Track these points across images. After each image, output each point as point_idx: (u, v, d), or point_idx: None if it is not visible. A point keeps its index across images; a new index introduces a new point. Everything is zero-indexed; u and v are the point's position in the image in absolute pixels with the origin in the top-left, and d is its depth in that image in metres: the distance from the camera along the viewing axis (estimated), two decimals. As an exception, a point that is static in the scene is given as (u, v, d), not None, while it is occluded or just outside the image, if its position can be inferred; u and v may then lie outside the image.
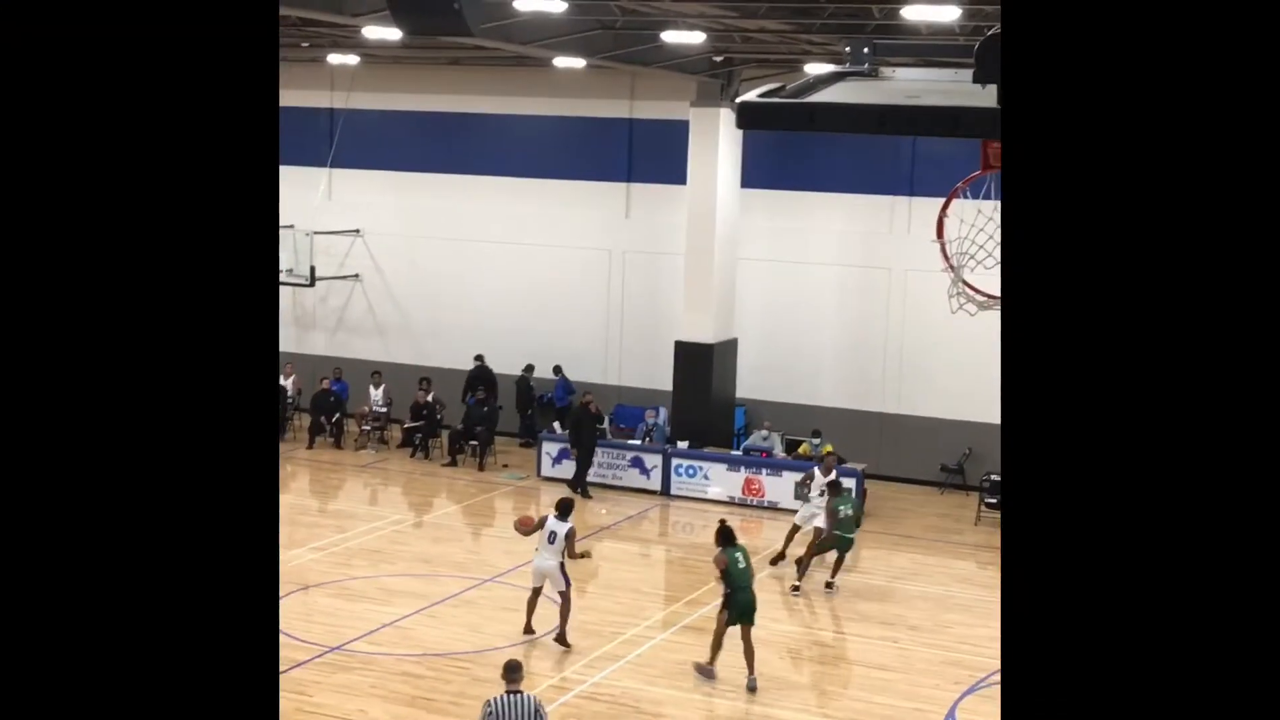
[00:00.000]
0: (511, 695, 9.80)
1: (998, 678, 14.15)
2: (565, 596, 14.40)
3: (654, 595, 16.54)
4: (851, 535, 17.11)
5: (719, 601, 13.74)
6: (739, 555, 13.57)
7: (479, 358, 24.56)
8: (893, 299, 22.98)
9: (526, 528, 14.70)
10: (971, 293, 8.21)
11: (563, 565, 14.32)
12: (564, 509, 14.55)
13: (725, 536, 13.75)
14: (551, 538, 14.34)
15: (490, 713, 9.74)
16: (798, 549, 17.71)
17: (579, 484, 21.55)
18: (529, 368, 24.66)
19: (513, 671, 10.00)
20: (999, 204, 8.13)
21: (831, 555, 17.21)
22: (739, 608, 13.39)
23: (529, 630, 14.65)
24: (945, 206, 8.06)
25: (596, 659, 14.18)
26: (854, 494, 19.41)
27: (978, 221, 8.44)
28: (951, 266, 8.07)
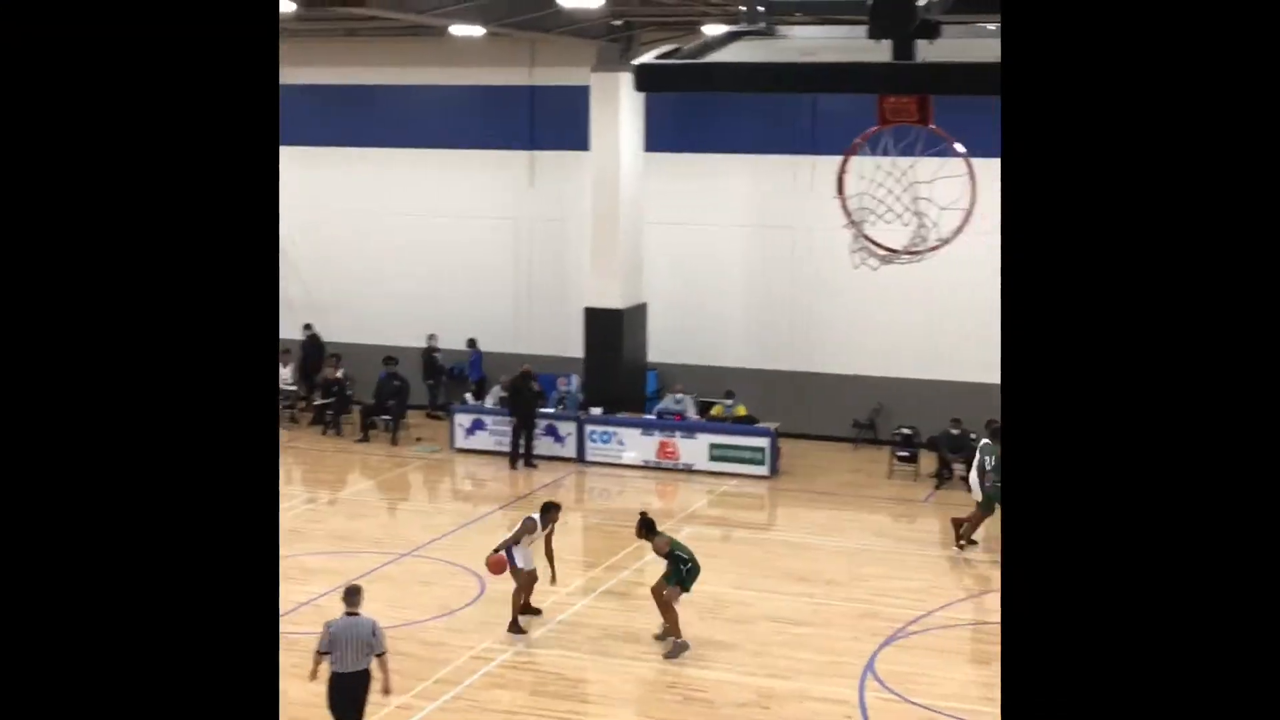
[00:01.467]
0: (349, 616, 10.74)
1: (915, 628, 14.39)
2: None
3: (573, 562, 16.56)
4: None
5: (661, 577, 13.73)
6: (672, 536, 13.86)
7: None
8: (800, 258, 23.11)
9: (498, 570, 14.25)
10: (873, 247, 8.28)
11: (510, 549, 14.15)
12: (546, 510, 14.46)
13: (648, 527, 13.86)
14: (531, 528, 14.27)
15: (331, 632, 10.66)
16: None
17: (522, 456, 21.51)
18: (432, 338, 24.53)
19: (352, 595, 10.88)
20: (896, 159, 8.21)
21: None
22: (694, 577, 13.53)
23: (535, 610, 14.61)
24: (844, 163, 8.10)
25: (518, 628, 14.18)
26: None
27: (876, 177, 8.51)
28: (853, 222, 8.12)
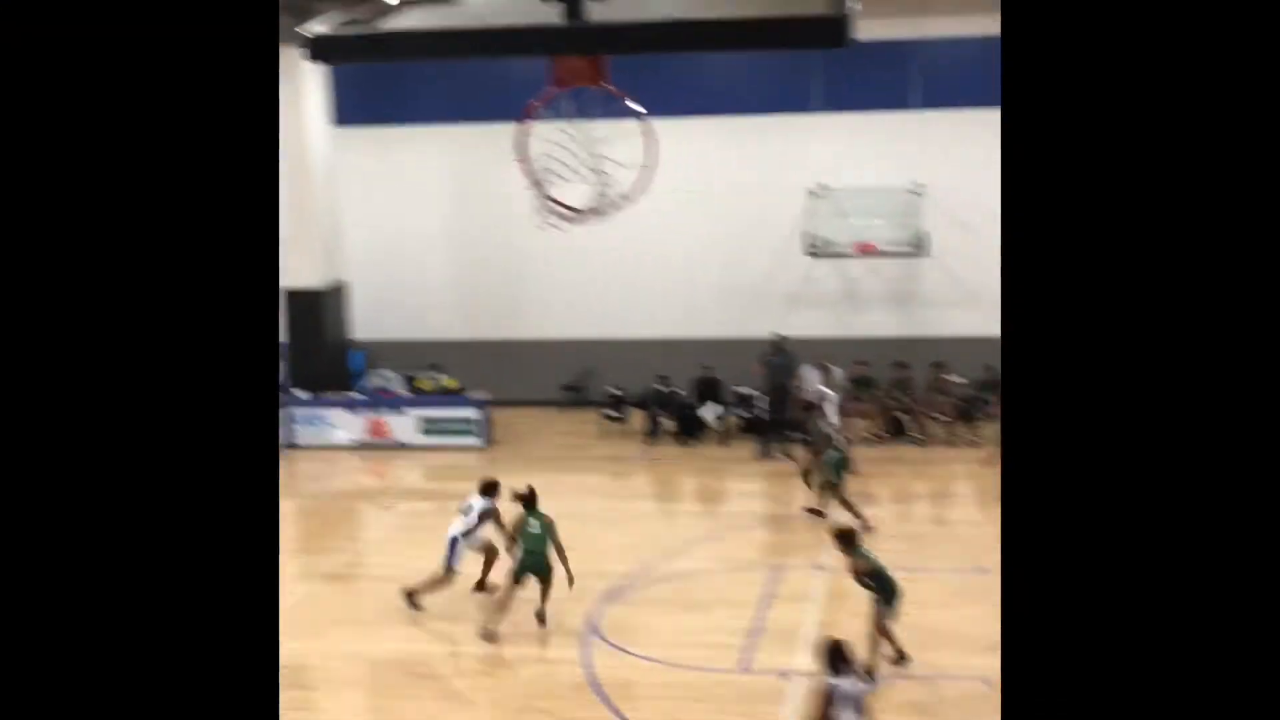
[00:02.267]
0: None
1: (635, 584, 14.67)
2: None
3: (290, 550, 16.20)
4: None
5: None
6: (534, 520, 13.35)
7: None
8: (500, 226, 23.10)
9: None
10: (558, 208, 8.37)
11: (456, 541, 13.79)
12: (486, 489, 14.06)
13: (528, 502, 13.56)
14: (466, 510, 13.90)
15: None
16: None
17: None
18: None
19: None
20: (575, 120, 8.32)
21: None
22: (523, 566, 13.24)
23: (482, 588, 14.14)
24: (524, 127, 8.16)
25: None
26: (483, 424, 19.49)
27: (558, 139, 8.60)
28: (536, 184, 8.19)
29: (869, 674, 11.30)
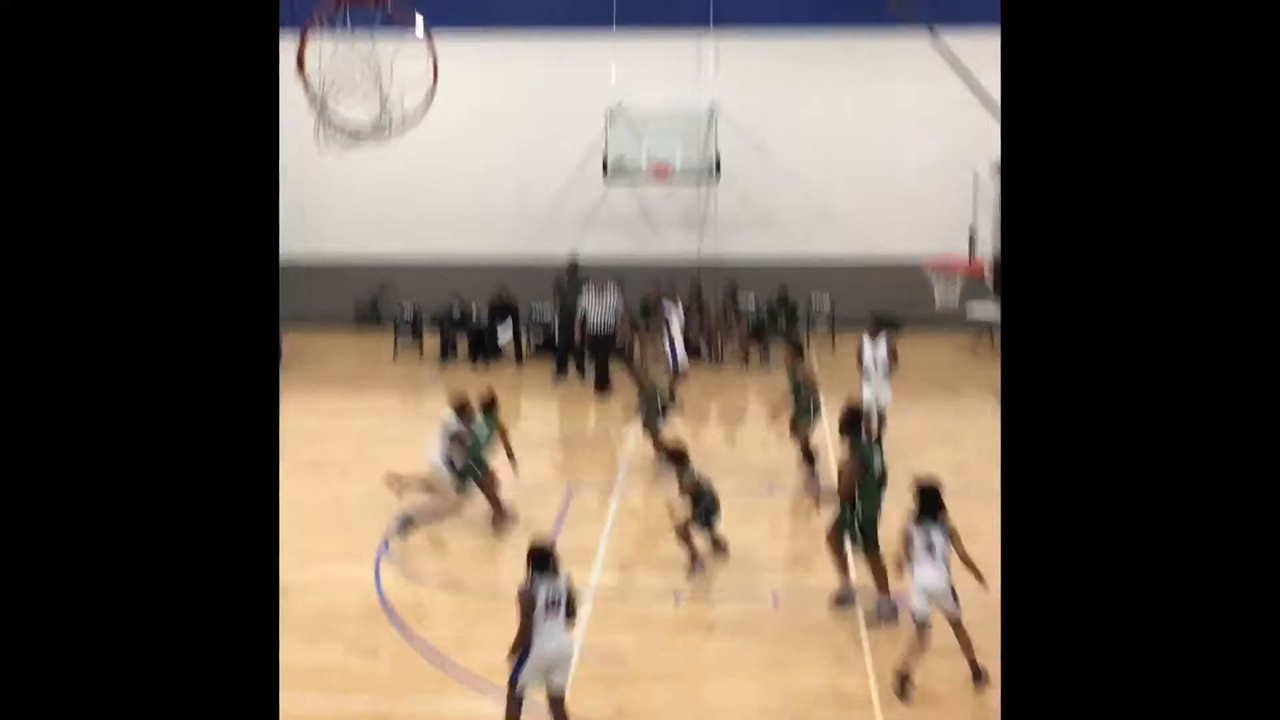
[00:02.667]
0: None
1: (427, 506, 14.57)
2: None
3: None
4: None
5: None
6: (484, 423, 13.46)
7: None
8: (285, 142, 22.44)
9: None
10: (340, 128, 8.15)
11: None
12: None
13: (486, 407, 13.63)
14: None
15: None
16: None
17: None
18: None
19: None
20: (356, 34, 8.07)
21: None
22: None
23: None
24: (303, 43, 7.89)
25: None
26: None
27: (337, 54, 8.36)
28: (315, 102, 7.95)
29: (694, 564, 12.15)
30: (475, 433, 13.72)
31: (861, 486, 11.20)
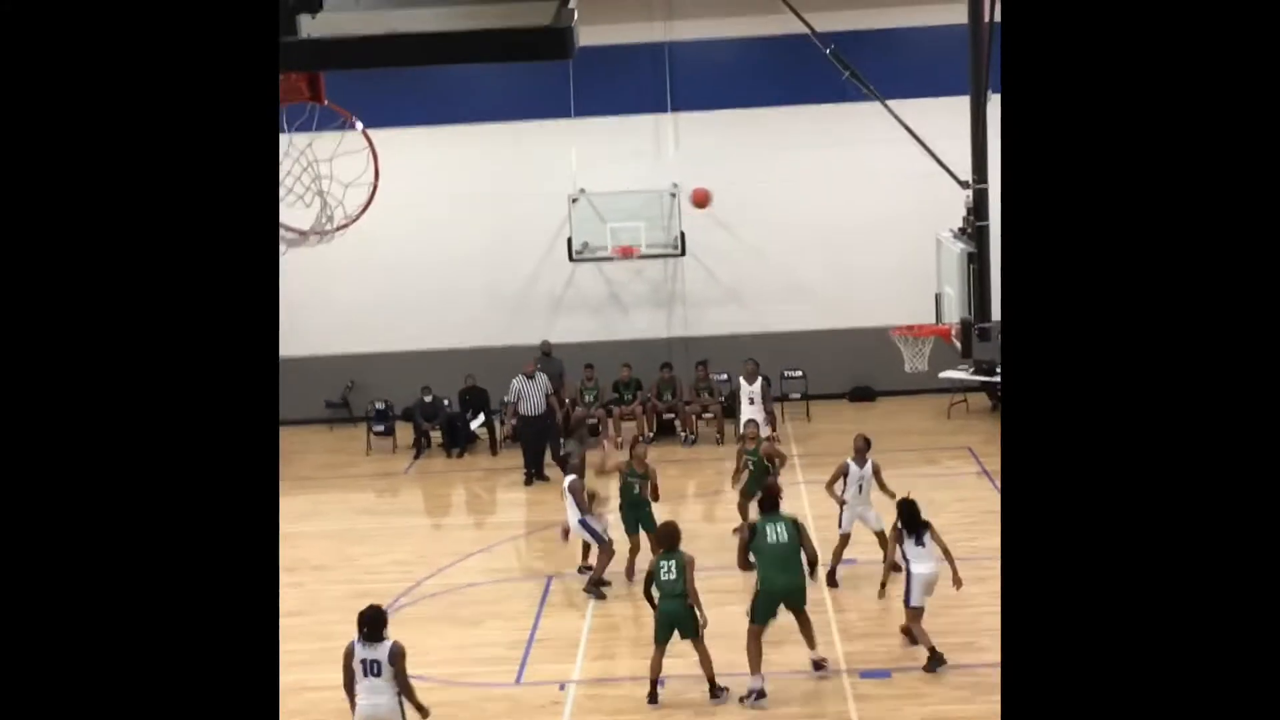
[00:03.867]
0: None
1: (406, 600, 14.42)
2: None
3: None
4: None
5: None
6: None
7: None
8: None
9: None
10: (281, 230, 8.13)
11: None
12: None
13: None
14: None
15: None
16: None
17: None
18: None
19: None
20: (294, 138, 8.08)
21: None
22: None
23: None
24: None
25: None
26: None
27: (290, 154, 8.36)
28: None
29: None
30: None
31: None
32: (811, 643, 11.85)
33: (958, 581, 11.94)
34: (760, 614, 11.56)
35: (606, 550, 14.06)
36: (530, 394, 19.15)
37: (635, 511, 14.64)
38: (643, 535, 14.34)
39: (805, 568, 11.76)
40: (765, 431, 18.52)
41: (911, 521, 12.18)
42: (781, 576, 11.60)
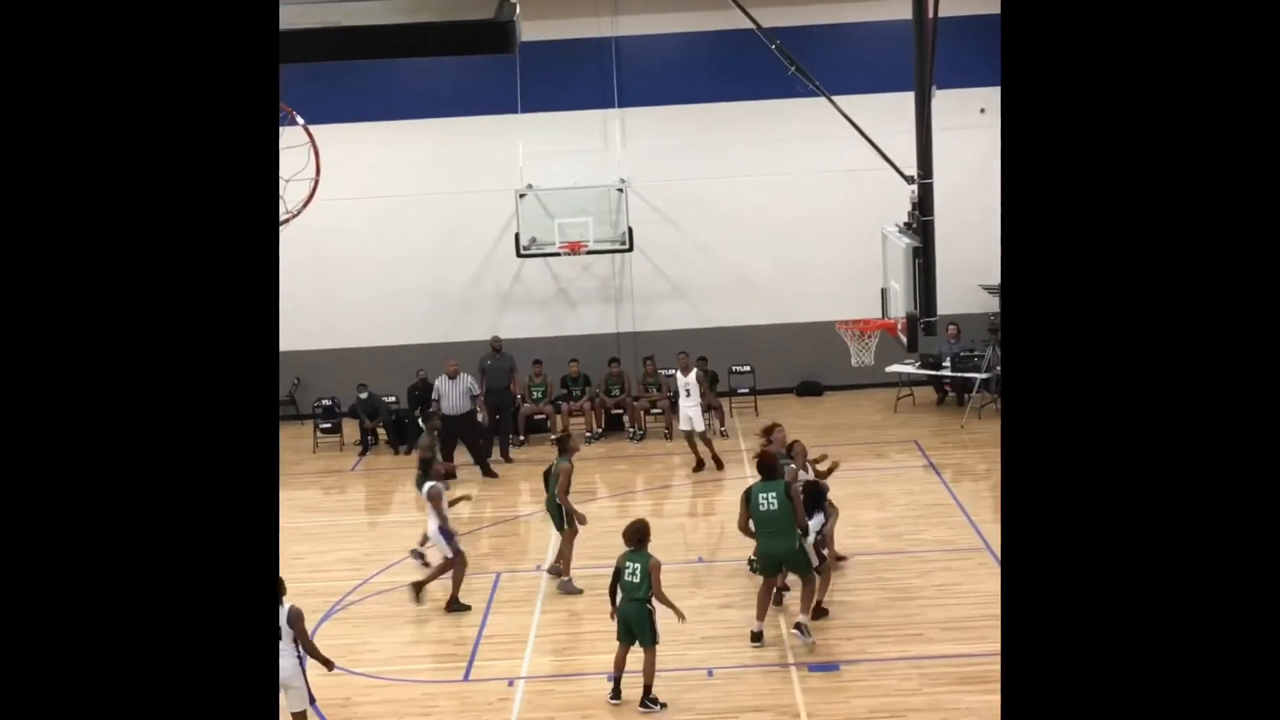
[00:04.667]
0: None
1: (354, 597, 14.35)
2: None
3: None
4: None
5: None
6: None
7: None
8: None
9: None
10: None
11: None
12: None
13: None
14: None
15: None
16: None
17: None
18: None
19: None
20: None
21: None
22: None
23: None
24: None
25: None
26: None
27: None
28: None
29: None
30: None
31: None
32: (804, 607, 12.33)
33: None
34: (761, 571, 12.62)
35: (459, 563, 13.82)
36: (450, 393, 19.11)
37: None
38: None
39: (798, 534, 12.19)
40: (699, 425, 18.58)
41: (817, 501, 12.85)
42: (768, 542, 12.23)
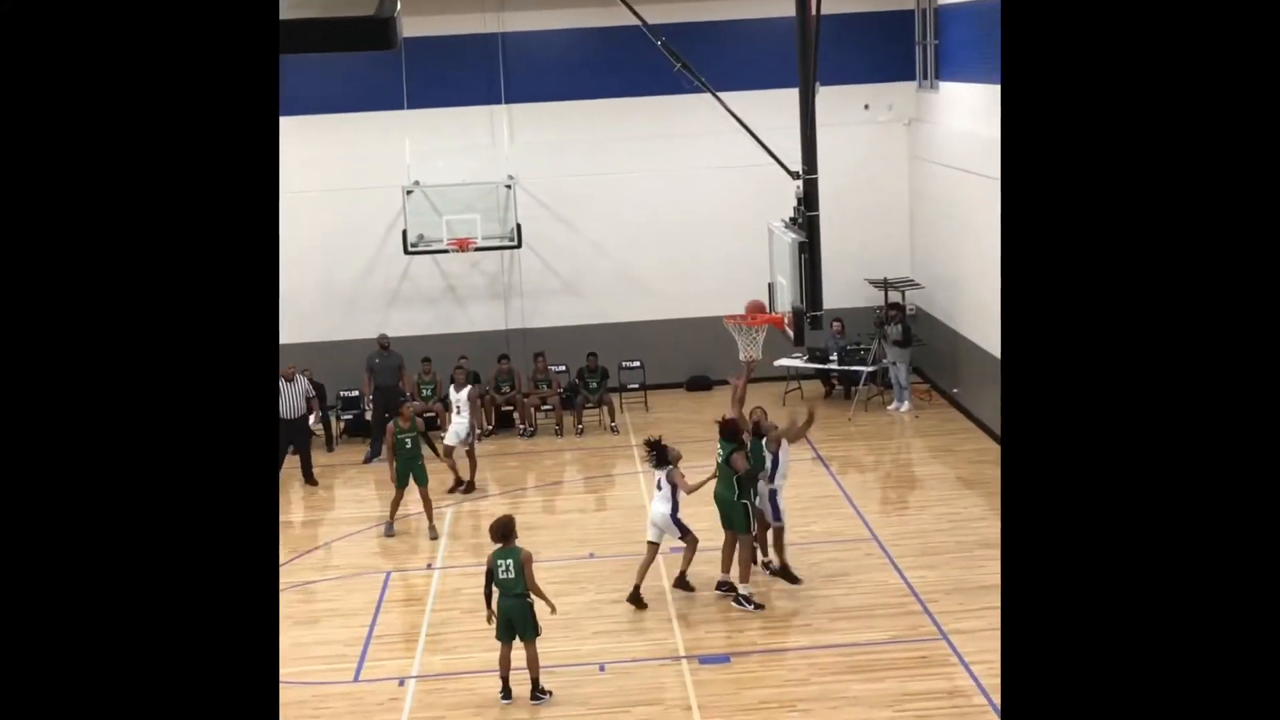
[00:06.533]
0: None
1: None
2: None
3: None
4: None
5: None
6: None
7: None
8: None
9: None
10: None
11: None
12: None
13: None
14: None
15: None
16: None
17: None
18: None
19: None
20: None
21: None
22: None
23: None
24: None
25: None
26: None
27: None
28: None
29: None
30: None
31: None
32: (725, 566, 13.33)
33: None
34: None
35: None
36: (286, 396, 18.83)
37: (408, 465, 16.01)
38: (413, 486, 15.98)
39: (735, 487, 13.06)
40: (465, 436, 17.93)
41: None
42: (718, 487, 13.36)
